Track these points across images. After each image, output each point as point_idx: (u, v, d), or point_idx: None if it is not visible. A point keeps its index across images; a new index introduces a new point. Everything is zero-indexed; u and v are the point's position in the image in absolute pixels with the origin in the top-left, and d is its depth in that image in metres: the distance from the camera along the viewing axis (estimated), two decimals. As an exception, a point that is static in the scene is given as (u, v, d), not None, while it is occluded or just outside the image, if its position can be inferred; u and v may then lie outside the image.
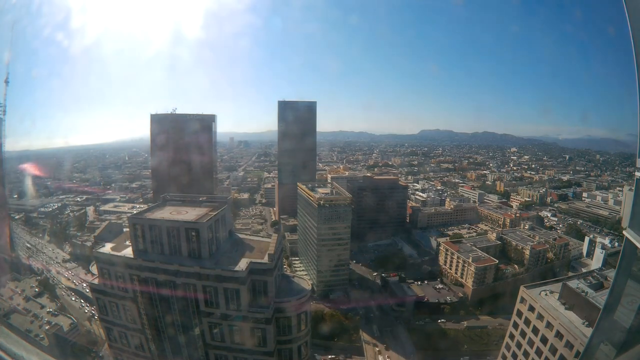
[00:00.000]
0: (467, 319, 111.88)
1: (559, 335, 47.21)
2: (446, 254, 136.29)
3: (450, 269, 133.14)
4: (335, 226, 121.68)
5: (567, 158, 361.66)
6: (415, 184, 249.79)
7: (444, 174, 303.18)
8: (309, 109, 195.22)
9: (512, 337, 57.13)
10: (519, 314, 55.22)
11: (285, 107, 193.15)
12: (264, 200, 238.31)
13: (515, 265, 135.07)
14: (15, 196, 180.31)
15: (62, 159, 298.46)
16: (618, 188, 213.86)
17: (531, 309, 52.79)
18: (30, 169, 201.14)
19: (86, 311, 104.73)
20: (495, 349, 68.18)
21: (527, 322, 53.21)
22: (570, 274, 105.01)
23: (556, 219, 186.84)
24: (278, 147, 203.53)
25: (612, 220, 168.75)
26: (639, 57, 12.81)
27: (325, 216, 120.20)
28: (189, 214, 47.99)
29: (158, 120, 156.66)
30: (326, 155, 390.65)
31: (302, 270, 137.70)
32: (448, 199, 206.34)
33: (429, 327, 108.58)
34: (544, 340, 49.63)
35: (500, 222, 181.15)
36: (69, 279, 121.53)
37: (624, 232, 15.02)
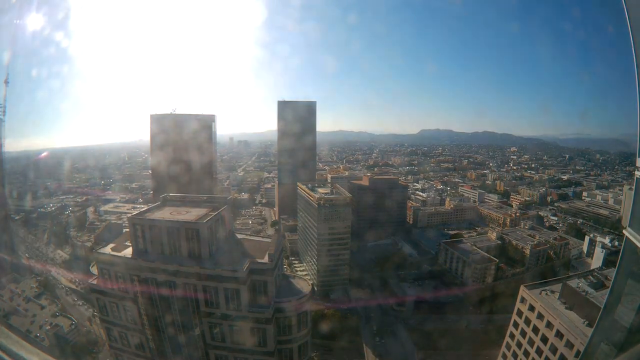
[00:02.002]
0: (467, 318, 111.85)
1: (559, 334, 47.26)
2: (446, 254, 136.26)
3: (451, 268, 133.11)
4: (335, 226, 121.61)
5: (567, 157, 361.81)
6: (415, 184, 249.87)
7: (444, 174, 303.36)
8: (309, 108, 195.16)
9: (512, 336, 57.20)
10: (519, 313, 55.28)
11: (284, 107, 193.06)
12: (264, 200, 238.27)
13: (516, 265, 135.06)
14: (15, 196, 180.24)
15: (62, 159, 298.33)
16: (618, 187, 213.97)
17: (531, 308, 52.85)
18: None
19: (86, 311, 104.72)
20: (496, 348, 68.16)
21: (528, 321, 53.27)
22: (571, 273, 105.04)
23: (556, 219, 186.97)
24: (278, 147, 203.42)
25: (612, 220, 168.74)
26: (638, 57, 12.79)
27: (325, 216, 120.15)
28: (189, 214, 47.99)
29: (158, 120, 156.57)
30: (326, 155, 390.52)
31: (302, 270, 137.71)
32: (448, 199, 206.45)
33: (429, 326, 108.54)
34: (544, 339, 49.68)
35: (500, 222, 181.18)
36: (69, 280, 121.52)
37: (624, 231, 15.00)
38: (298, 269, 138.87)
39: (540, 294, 53.13)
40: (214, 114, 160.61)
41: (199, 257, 44.17)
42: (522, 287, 56.10)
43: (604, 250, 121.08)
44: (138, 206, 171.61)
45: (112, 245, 48.04)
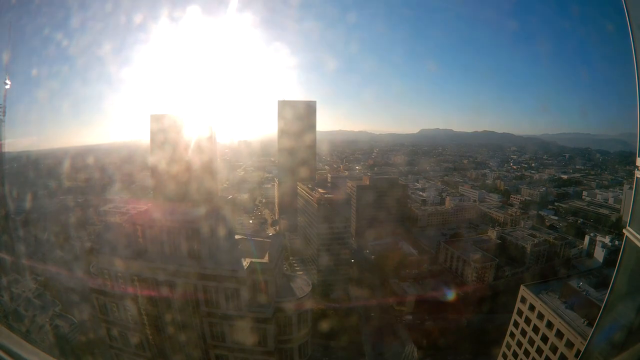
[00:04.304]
0: (467, 317, 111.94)
1: (559, 334, 47.30)
2: (446, 253, 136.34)
3: (451, 267, 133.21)
4: (335, 225, 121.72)
5: (567, 157, 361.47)
6: (415, 183, 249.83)
7: (444, 173, 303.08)
8: (309, 108, 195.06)
9: (512, 336, 57.26)
10: (520, 312, 55.33)
11: (284, 107, 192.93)
12: (264, 200, 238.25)
13: (516, 264, 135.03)
14: (15, 196, 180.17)
15: (62, 159, 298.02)
16: (618, 187, 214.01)
17: (531, 308, 52.88)
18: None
19: (86, 311, 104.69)
20: (496, 348, 68.23)
21: (528, 321, 53.32)
22: (571, 272, 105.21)
23: (556, 218, 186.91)
24: (278, 147, 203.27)
25: (612, 219, 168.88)
26: (638, 56, 12.76)
27: (325, 215, 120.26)
28: (189, 213, 47.98)
29: (158, 121, 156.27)
30: (326, 155, 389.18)
31: (302, 269, 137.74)
32: (448, 198, 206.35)
33: (429, 325, 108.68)
34: (545, 339, 49.72)
35: (500, 221, 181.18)
36: (69, 280, 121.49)
37: (624, 230, 14.98)
38: (298, 268, 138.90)
39: (540, 293, 53.16)
40: (213, 114, 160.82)
41: (199, 257, 44.20)
42: (522, 287, 56.15)
43: (604, 250, 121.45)
44: (138, 206, 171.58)
45: (111, 245, 48.05)
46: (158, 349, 48.00)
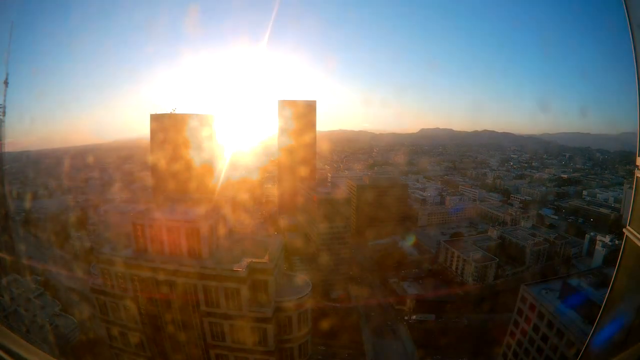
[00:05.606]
0: (467, 316, 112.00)
1: (559, 333, 47.35)
2: (446, 252, 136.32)
3: (451, 267, 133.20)
4: (335, 224, 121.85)
5: (567, 156, 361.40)
6: (415, 183, 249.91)
7: (444, 173, 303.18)
8: (309, 107, 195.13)
9: (512, 335, 57.30)
10: (520, 312, 55.41)
11: (285, 107, 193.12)
12: (264, 200, 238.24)
13: (516, 263, 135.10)
14: (15, 196, 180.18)
15: (62, 159, 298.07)
16: (618, 186, 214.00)
17: (532, 307, 52.96)
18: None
19: (86, 311, 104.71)
20: (496, 347, 68.31)
21: (528, 320, 53.38)
22: (571, 272, 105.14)
23: (556, 217, 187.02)
24: (278, 147, 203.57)
25: (612, 218, 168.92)
26: (638, 55, 12.74)
27: (325, 214, 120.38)
28: (189, 213, 47.99)
29: (158, 120, 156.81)
30: (326, 154, 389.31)
31: (302, 268, 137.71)
32: (448, 197, 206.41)
33: (430, 324, 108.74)
34: (545, 338, 49.78)
35: (500, 221, 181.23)
36: (69, 279, 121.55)
37: (624, 230, 14.97)
38: (298, 267, 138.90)
39: (540, 292, 53.23)
40: (213, 114, 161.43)
41: (199, 256, 44.21)
42: (522, 286, 56.23)
43: (604, 249, 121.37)
44: (138, 206, 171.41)
45: (112, 244, 48.13)
46: (158, 349, 48.03)
